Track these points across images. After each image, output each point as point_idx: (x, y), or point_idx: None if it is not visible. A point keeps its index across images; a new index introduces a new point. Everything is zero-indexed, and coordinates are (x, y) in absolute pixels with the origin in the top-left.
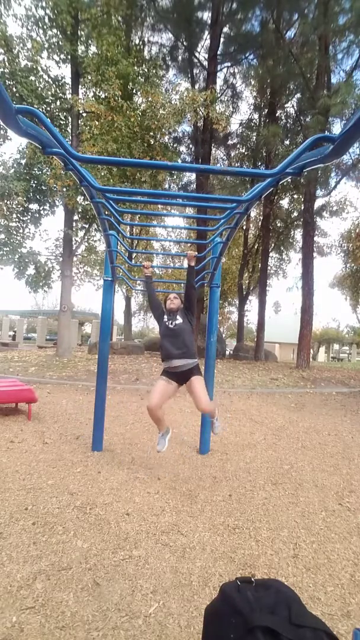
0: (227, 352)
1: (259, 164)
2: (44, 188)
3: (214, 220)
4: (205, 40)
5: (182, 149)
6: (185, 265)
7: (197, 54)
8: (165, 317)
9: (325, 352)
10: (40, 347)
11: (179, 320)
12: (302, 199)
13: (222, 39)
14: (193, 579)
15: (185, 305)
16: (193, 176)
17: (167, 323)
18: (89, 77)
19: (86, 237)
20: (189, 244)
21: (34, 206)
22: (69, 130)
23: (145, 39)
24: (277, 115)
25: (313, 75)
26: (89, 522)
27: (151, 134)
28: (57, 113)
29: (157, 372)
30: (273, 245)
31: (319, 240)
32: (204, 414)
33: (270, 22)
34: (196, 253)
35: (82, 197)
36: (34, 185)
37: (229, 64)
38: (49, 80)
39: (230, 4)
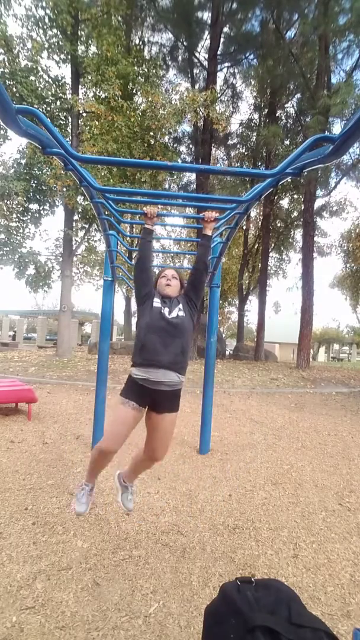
0: (227, 352)
1: (259, 164)
2: (44, 188)
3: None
4: (205, 40)
5: (182, 149)
6: (187, 265)
7: (197, 54)
8: (157, 300)
9: (325, 352)
10: (40, 347)
11: (182, 312)
12: (302, 199)
13: (222, 39)
14: (193, 579)
15: (189, 295)
16: (193, 176)
17: (161, 310)
18: (89, 77)
19: (86, 237)
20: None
21: (34, 206)
22: (69, 130)
23: (145, 39)
24: (277, 115)
25: (313, 75)
26: (89, 522)
27: (151, 134)
28: (57, 113)
29: None
30: (273, 245)
31: (319, 240)
32: (124, 474)
33: (270, 22)
34: (217, 215)
35: (82, 197)
36: (34, 185)
37: (229, 64)
38: (49, 80)
39: (230, 4)
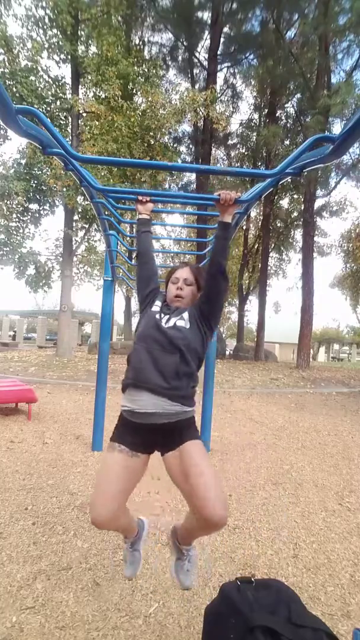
0: (227, 352)
1: (259, 164)
2: (44, 188)
3: (214, 218)
4: (205, 40)
5: (182, 149)
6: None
7: (197, 54)
8: (157, 304)
9: (325, 352)
10: (40, 347)
11: (184, 323)
12: (302, 199)
13: (222, 39)
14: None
15: (201, 308)
16: (193, 176)
17: (156, 315)
18: (89, 77)
19: (86, 237)
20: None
21: (34, 206)
22: (69, 130)
23: (145, 39)
24: (277, 115)
25: (313, 75)
26: (89, 522)
27: (151, 134)
28: (57, 113)
29: None
30: (273, 245)
31: (319, 240)
32: (179, 532)
33: (270, 22)
34: (238, 195)
35: (82, 197)
36: (34, 185)
37: (229, 64)
38: (49, 80)
39: (230, 4)
